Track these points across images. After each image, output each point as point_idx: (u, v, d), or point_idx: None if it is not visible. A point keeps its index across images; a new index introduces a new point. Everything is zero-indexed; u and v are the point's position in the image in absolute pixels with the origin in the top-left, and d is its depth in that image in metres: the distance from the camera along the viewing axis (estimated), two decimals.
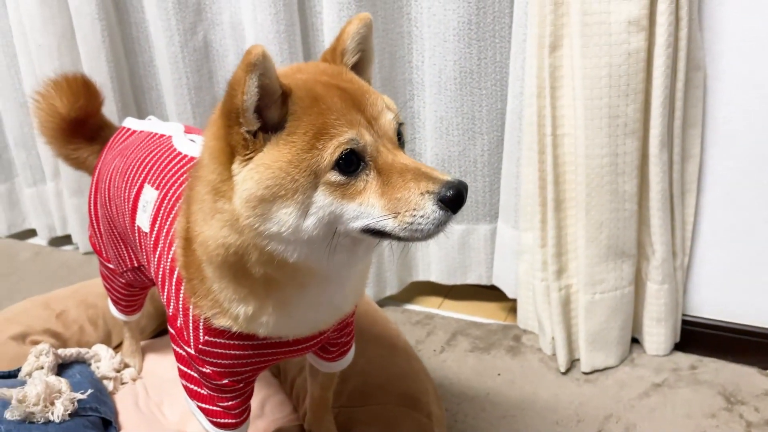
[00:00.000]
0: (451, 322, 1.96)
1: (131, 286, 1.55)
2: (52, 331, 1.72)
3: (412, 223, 0.83)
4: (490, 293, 2.08)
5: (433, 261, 2.06)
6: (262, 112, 0.85)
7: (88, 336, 1.77)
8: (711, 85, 1.54)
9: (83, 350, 1.64)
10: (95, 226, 1.53)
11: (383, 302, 2.05)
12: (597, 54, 1.45)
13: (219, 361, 1.10)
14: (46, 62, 2.20)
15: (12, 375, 1.50)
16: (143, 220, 1.26)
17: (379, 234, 0.86)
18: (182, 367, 1.17)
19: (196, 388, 1.16)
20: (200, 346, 1.09)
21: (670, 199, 1.60)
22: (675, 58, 1.46)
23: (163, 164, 1.30)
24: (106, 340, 1.79)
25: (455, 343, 1.85)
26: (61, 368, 1.56)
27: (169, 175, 1.26)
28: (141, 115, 2.28)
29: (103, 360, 1.66)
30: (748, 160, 1.56)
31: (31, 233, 2.67)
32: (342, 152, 0.83)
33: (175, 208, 1.19)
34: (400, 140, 0.92)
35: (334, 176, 0.83)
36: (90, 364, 1.64)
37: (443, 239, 2.03)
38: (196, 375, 1.15)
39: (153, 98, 2.26)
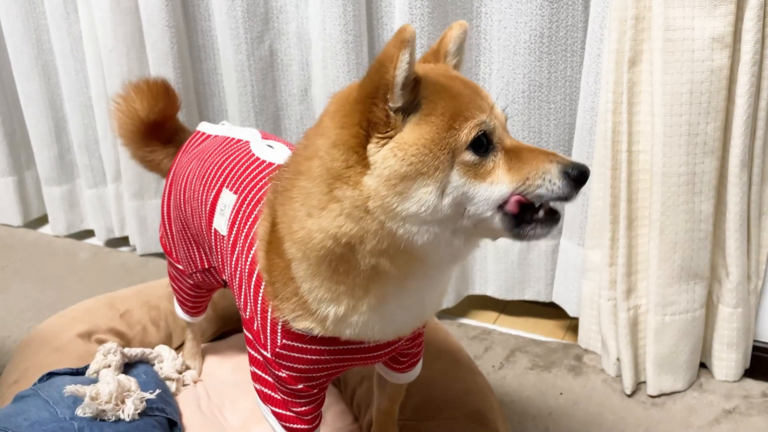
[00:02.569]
0: (509, 338, 1.93)
1: (199, 288, 1.56)
2: (116, 330, 1.75)
3: (540, 186, 0.87)
4: (547, 310, 2.04)
5: (490, 275, 2.04)
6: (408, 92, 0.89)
7: (151, 336, 1.79)
8: None
9: (147, 350, 1.66)
10: (167, 227, 1.55)
11: (439, 315, 2.03)
12: (678, 70, 1.43)
13: (295, 366, 1.09)
14: (114, 67, 2.25)
15: (80, 372, 1.52)
16: (221, 223, 1.27)
17: (511, 217, 0.89)
18: (257, 371, 1.17)
19: (270, 392, 1.16)
20: (277, 349, 1.08)
21: (747, 222, 1.56)
22: (759, 76, 1.43)
23: (242, 169, 1.31)
24: (168, 342, 1.80)
25: (514, 360, 1.82)
26: (127, 367, 1.57)
27: (247, 180, 1.27)
28: (203, 120, 2.31)
29: (166, 361, 1.67)
30: None
31: (88, 234, 2.72)
32: (477, 132, 0.87)
33: (255, 212, 1.19)
34: None
35: (469, 156, 0.87)
36: (153, 365, 1.65)
37: (503, 254, 2.02)
38: (270, 379, 1.15)
39: (215, 105, 2.29)
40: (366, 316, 0.98)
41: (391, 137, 0.87)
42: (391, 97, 0.85)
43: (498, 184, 0.88)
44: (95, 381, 1.41)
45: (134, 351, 1.62)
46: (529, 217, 0.90)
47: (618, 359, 1.69)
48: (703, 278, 1.59)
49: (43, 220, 2.84)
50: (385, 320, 1.00)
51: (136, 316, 1.80)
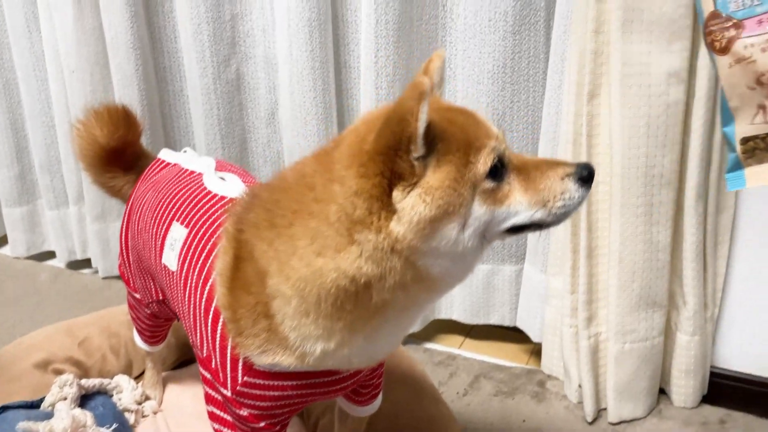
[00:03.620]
0: (474, 363, 1.94)
1: (156, 317, 1.54)
2: (74, 359, 1.71)
3: (563, 207, 0.90)
4: (512, 334, 2.06)
5: (456, 299, 2.05)
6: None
7: (110, 365, 1.75)
8: None
9: (105, 381, 1.62)
10: (125, 256, 1.52)
11: (405, 340, 2.03)
12: (636, 104, 1.46)
13: (257, 403, 1.08)
14: (77, 87, 2.22)
15: (35, 405, 1.48)
16: (170, 258, 1.25)
17: (521, 229, 0.92)
18: (215, 411, 1.14)
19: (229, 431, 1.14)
20: (238, 387, 1.07)
21: (704, 251, 1.59)
22: (714, 110, 1.47)
23: (193, 202, 1.29)
24: (127, 370, 1.77)
25: (479, 386, 1.83)
26: (84, 399, 1.54)
27: (199, 214, 1.25)
28: (168, 143, 2.29)
29: (125, 391, 1.64)
30: None
31: (50, 255, 2.67)
32: (493, 160, 0.89)
33: (207, 247, 1.17)
34: None
35: (488, 183, 0.89)
36: (112, 395, 1.62)
37: (468, 279, 2.02)
38: (230, 418, 1.13)
39: (181, 126, 2.28)
40: (357, 348, 0.98)
41: (416, 184, 0.88)
42: (415, 148, 0.87)
43: (517, 205, 0.90)
44: (51, 415, 1.38)
45: (92, 382, 1.58)
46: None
47: (580, 386, 1.71)
48: (661, 306, 1.62)
49: (2, 240, 2.77)
50: (370, 348, 1.00)
51: (95, 344, 1.77)
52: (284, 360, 1.00)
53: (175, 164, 1.49)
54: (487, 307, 2.02)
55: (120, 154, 1.55)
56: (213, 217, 1.21)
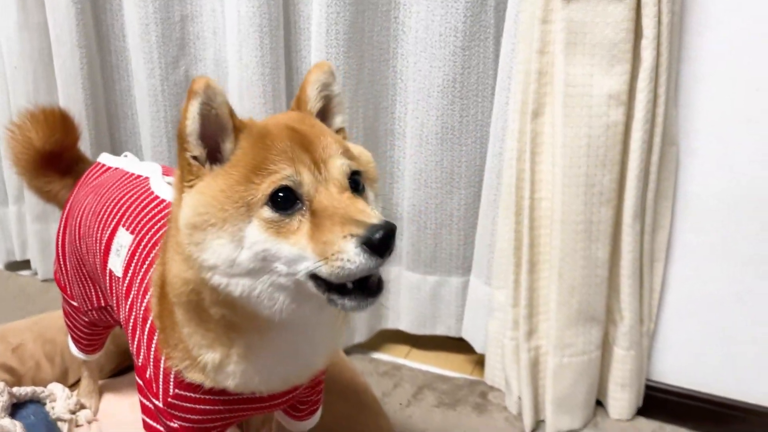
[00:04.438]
0: (418, 374, 1.94)
1: (95, 325, 1.50)
2: (7, 365, 1.66)
3: (342, 268, 0.80)
4: (457, 344, 2.07)
5: (403, 310, 2.06)
6: (213, 142, 0.88)
7: (44, 373, 1.70)
8: (684, 161, 1.59)
9: (38, 389, 1.58)
10: (61, 263, 1.48)
11: (350, 350, 2.03)
12: (578, 124, 1.49)
13: (188, 416, 1.07)
14: (20, 84, 2.16)
15: None
16: (116, 264, 1.23)
17: (323, 281, 0.83)
18: (148, 420, 1.13)
19: None
20: (169, 399, 1.06)
21: (640, 268, 1.64)
22: (652, 132, 1.51)
23: (140, 207, 1.27)
24: (62, 378, 1.72)
25: (422, 398, 1.84)
26: (15, 407, 1.49)
27: (145, 220, 1.24)
28: (114, 144, 2.24)
29: (59, 400, 1.60)
30: (716, 235, 1.61)
31: None
32: (276, 188, 0.84)
33: (151, 255, 1.16)
34: (357, 188, 0.92)
35: (267, 212, 0.84)
36: (45, 404, 1.58)
37: (416, 290, 2.04)
38: (162, 429, 1.12)
39: (128, 127, 2.22)
40: (241, 367, 0.97)
41: (192, 186, 0.88)
42: (188, 146, 0.87)
43: (299, 248, 0.82)
44: None
45: (24, 390, 1.54)
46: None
47: (520, 398, 1.73)
48: (599, 321, 1.66)
49: None
50: (263, 371, 0.98)
51: (29, 351, 1.71)
52: (196, 376, 1.00)
53: (116, 168, 1.46)
54: (433, 318, 2.03)
55: (56, 158, 1.52)
56: (160, 224, 1.19)
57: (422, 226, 1.92)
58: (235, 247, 0.84)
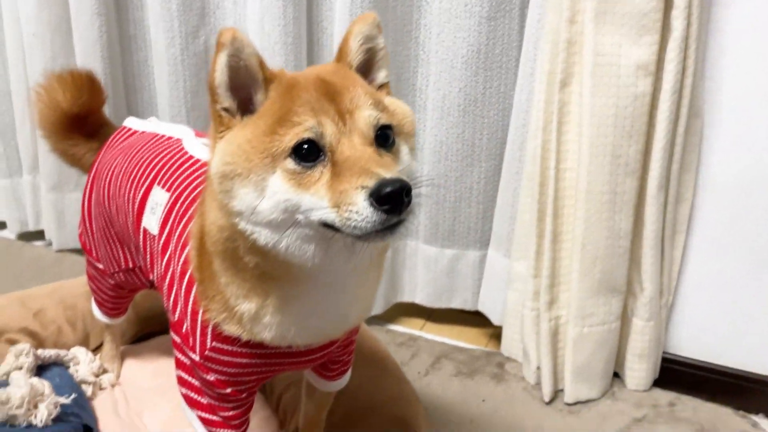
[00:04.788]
0: (435, 345, 1.96)
1: (120, 288, 1.51)
2: (29, 329, 1.66)
3: (349, 219, 0.80)
4: (472, 318, 2.09)
5: (419, 283, 2.07)
6: (245, 93, 0.89)
7: (66, 337, 1.71)
8: (707, 134, 1.60)
9: (62, 352, 1.59)
10: (87, 225, 1.48)
11: (368, 321, 2.04)
12: (606, 94, 1.49)
13: (225, 369, 1.08)
14: (37, 52, 2.14)
15: None
16: (151, 222, 1.23)
17: (334, 228, 0.83)
18: (183, 375, 1.14)
19: (196, 396, 1.13)
20: (207, 352, 1.06)
21: (662, 239, 1.65)
22: (679, 104, 1.52)
23: (175, 166, 1.27)
24: (84, 343, 1.73)
25: (439, 367, 1.86)
26: (40, 370, 1.50)
27: (181, 178, 1.24)
28: (131, 114, 2.23)
29: (82, 363, 1.61)
30: (735, 210, 1.62)
31: None
32: (299, 141, 0.84)
33: (189, 211, 1.17)
34: (387, 141, 0.90)
35: (290, 164, 0.84)
36: (68, 367, 1.58)
37: (433, 263, 2.05)
38: (197, 383, 1.12)
39: (145, 99, 2.22)
40: (277, 318, 0.97)
41: (223, 137, 0.88)
42: (218, 98, 0.88)
43: (318, 198, 0.83)
44: (5, 384, 1.34)
45: (48, 353, 1.54)
46: None
47: (538, 368, 1.75)
48: (620, 292, 1.67)
49: None
50: (298, 324, 0.99)
51: (50, 316, 1.72)
52: (233, 328, 1.01)
53: (144, 132, 1.46)
54: (450, 291, 2.05)
55: (82, 121, 1.51)
56: (196, 182, 1.19)
57: (441, 200, 1.93)
58: (258, 195, 0.85)
